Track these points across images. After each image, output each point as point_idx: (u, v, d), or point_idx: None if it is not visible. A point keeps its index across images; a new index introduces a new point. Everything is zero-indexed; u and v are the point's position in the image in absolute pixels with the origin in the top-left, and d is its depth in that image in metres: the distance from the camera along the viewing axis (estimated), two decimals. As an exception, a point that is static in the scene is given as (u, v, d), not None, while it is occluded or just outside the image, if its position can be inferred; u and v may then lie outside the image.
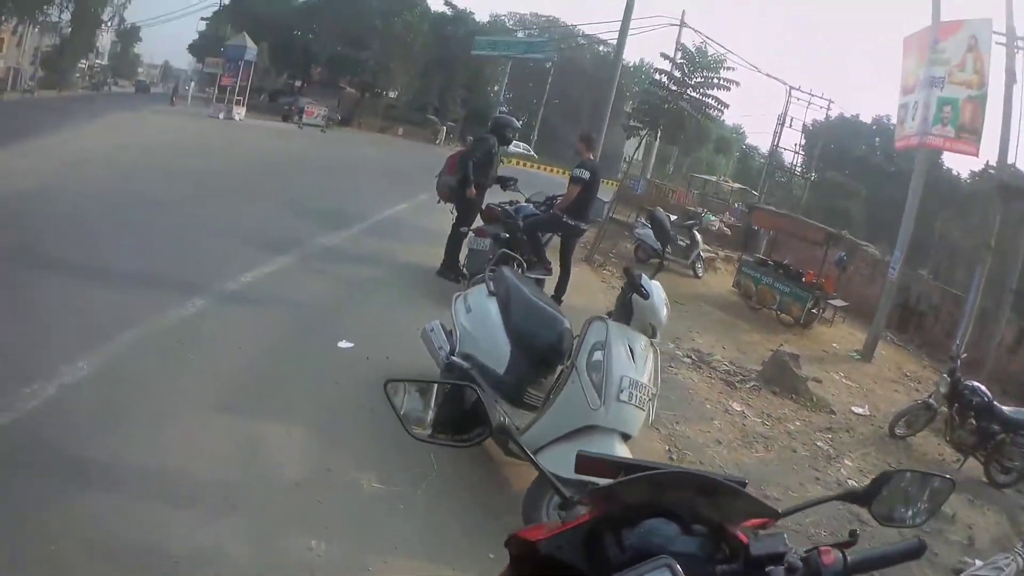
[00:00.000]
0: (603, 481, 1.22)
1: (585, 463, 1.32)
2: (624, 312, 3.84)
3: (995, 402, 7.32)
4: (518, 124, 8.89)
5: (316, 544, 2.99)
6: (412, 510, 3.43)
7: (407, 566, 3.06)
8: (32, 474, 3.04)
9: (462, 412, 1.41)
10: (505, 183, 8.37)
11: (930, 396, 7.72)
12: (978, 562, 4.77)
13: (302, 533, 3.05)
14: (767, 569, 1.10)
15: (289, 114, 38.89)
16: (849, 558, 1.13)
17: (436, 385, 1.49)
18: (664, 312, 3.89)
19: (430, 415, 1.44)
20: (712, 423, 6.11)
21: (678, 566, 0.99)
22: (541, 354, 4.04)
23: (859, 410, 8.19)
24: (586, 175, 7.58)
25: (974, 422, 7.13)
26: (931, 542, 4.96)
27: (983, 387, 7.50)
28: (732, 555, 1.13)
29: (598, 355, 3.52)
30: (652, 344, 3.80)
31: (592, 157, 8.12)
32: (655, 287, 3.87)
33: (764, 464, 5.59)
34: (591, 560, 1.12)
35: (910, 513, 1.37)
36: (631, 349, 3.61)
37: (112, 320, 4.74)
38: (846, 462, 6.30)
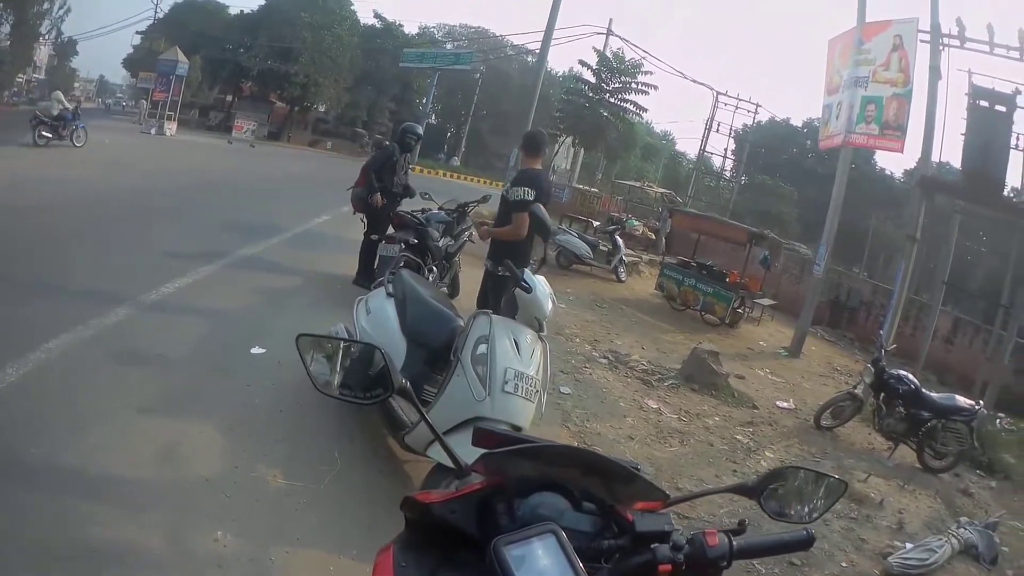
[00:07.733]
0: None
1: (482, 436, 1.32)
2: (510, 307, 3.94)
3: (922, 389, 7.34)
4: (420, 131, 8.85)
5: (222, 536, 3.12)
6: (315, 503, 3.56)
7: (309, 555, 3.17)
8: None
9: (367, 373, 1.43)
10: (411, 194, 8.42)
11: (855, 387, 7.70)
12: (908, 545, 4.69)
13: (210, 526, 3.18)
14: (652, 546, 1.13)
15: (216, 127, 37.80)
16: (735, 543, 1.15)
17: (345, 344, 1.48)
18: (548, 305, 3.93)
19: (338, 373, 1.45)
20: (625, 420, 6.06)
21: (563, 534, 1.00)
22: (434, 351, 4.09)
23: (783, 404, 8.10)
24: (532, 195, 5.06)
25: (903, 410, 7.15)
26: (858, 528, 4.94)
27: (910, 375, 7.53)
28: (620, 533, 1.16)
29: (482, 348, 3.56)
30: (540, 337, 3.86)
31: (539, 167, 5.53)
32: (538, 281, 3.95)
33: (678, 457, 5.54)
34: (482, 527, 1.13)
35: (804, 510, 1.35)
36: (516, 342, 3.65)
37: (39, 330, 4.86)
38: (767, 454, 6.20)
